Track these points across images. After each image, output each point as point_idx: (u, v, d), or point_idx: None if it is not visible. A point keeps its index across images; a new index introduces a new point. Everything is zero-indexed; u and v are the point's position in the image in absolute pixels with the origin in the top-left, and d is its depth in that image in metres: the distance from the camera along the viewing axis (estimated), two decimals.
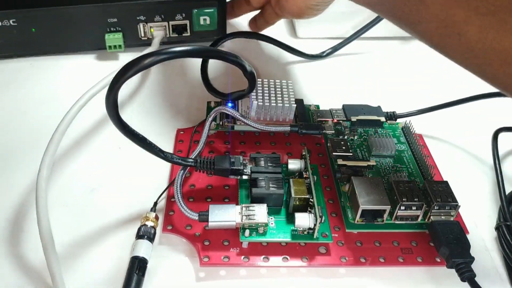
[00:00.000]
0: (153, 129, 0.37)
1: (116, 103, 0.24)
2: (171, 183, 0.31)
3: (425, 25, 0.24)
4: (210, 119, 0.33)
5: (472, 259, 0.27)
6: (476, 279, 0.26)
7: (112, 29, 0.43)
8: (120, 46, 0.43)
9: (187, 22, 0.44)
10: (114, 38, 0.43)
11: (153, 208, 0.29)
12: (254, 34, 0.45)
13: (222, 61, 0.28)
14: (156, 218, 0.28)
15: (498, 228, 0.30)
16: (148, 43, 0.44)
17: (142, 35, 0.44)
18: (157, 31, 0.44)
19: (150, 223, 0.28)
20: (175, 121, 0.38)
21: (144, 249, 0.27)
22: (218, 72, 0.43)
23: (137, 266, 0.26)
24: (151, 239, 0.27)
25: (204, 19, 0.44)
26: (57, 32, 0.42)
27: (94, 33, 0.43)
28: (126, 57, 0.36)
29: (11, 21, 0.40)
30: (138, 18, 0.43)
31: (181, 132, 0.36)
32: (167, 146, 0.35)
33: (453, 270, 0.27)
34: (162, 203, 0.31)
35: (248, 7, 0.44)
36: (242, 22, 0.49)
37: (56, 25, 0.42)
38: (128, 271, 0.26)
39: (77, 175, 0.33)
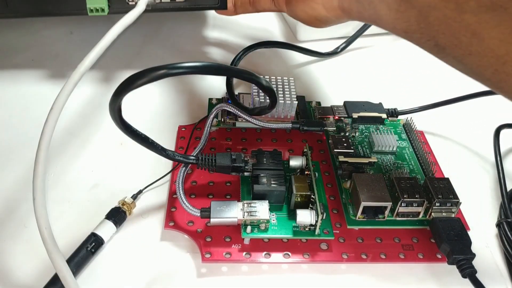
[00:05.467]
0: (155, 126, 0.37)
1: (120, 109, 0.24)
2: (169, 172, 0.32)
3: (477, 58, 0.21)
4: (212, 116, 0.33)
5: (473, 255, 0.27)
6: (477, 275, 0.26)
7: None
8: (103, 9, 0.36)
9: None
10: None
11: (134, 195, 0.30)
12: (274, 43, 0.44)
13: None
14: (133, 205, 0.29)
15: (499, 224, 0.30)
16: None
17: None
18: None
19: (123, 208, 0.29)
20: (177, 118, 0.38)
21: (105, 229, 0.28)
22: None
23: (92, 242, 0.27)
24: (116, 222, 0.28)
25: None
26: None
27: None
28: (109, 25, 0.33)
29: None
30: None
31: (183, 129, 0.36)
32: (169, 142, 0.36)
33: (454, 267, 0.27)
34: (164, 200, 0.31)
35: (252, 9, 0.40)
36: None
37: None
38: (81, 244, 0.27)
39: (79, 171, 0.33)
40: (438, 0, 0.22)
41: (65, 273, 0.23)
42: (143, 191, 0.31)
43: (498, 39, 0.20)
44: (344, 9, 0.30)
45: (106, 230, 0.28)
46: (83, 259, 0.26)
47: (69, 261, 0.25)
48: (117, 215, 0.28)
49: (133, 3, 0.36)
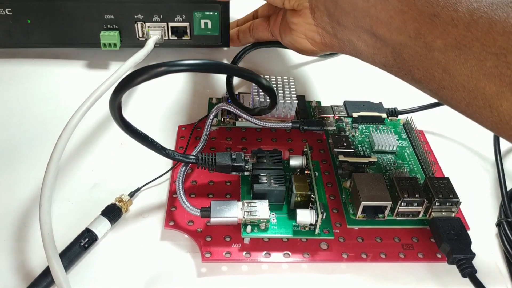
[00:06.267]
0: (155, 125, 0.37)
1: (120, 106, 0.24)
2: (168, 171, 0.32)
3: (450, 92, 0.23)
4: (212, 115, 0.33)
5: (473, 255, 0.27)
6: (477, 275, 0.26)
7: (108, 26, 0.41)
8: (115, 44, 0.41)
9: (187, 24, 0.42)
10: (109, 36, 0.41)
11: (132, 193, 0.30)
12: (275, 43, 0.43)
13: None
14: (129, 203, 0.30)
15: (499, 224, 0.31)
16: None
17: (140, 35, 0.42)
18: (153, 32, 0.41)
19: (119, 205, 0.29)
20: (177, 117, 0.38)
21: (100, 226, 0.28)
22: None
23: (85, 238, 0.27)
24: (111, 219, 0.28)
25: (205, 23, 0.42)
26: (52, 25, 0.41)
27: (90, 29, 0.41)
28: (119, 57, 0.34)
29: (6, 11, 0.40)
30: (136, 16, 0.41)
31: (183, 128, 0.36)
32: (169, 142, 0.36)
33: (454, 266, 0.27)
34: (164, 199, 0.31)
35: (252, 39, 0.43)
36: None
37: (52, 18, 0.41)
38: (75, 239, 0.27)
39: (79, 170, 0.33)
40: (408, 39, 0.23)
41: (60, 277, 0.24)
42: (141, 189, 0.31)
43: (466, 75, 0.21)
44: (326, 44, 0.32)
45: (101, 226, 0.28)
46: (75, 254, 0.26)
47: (61, 255, 0.25)
48: (113, 212, 0.29)
49: (143, 39, 0.42)
